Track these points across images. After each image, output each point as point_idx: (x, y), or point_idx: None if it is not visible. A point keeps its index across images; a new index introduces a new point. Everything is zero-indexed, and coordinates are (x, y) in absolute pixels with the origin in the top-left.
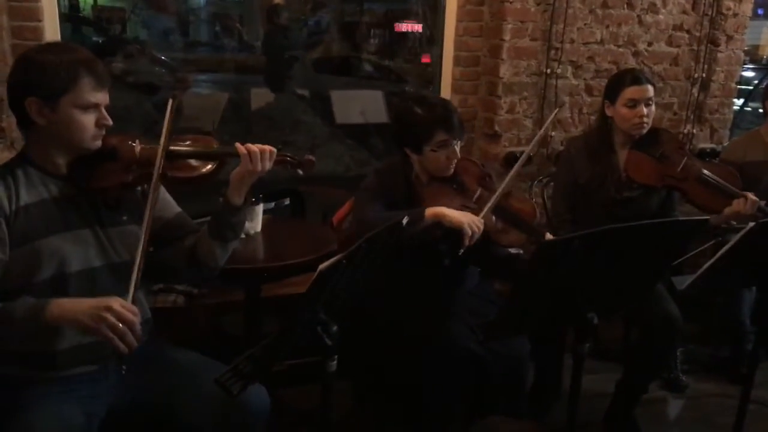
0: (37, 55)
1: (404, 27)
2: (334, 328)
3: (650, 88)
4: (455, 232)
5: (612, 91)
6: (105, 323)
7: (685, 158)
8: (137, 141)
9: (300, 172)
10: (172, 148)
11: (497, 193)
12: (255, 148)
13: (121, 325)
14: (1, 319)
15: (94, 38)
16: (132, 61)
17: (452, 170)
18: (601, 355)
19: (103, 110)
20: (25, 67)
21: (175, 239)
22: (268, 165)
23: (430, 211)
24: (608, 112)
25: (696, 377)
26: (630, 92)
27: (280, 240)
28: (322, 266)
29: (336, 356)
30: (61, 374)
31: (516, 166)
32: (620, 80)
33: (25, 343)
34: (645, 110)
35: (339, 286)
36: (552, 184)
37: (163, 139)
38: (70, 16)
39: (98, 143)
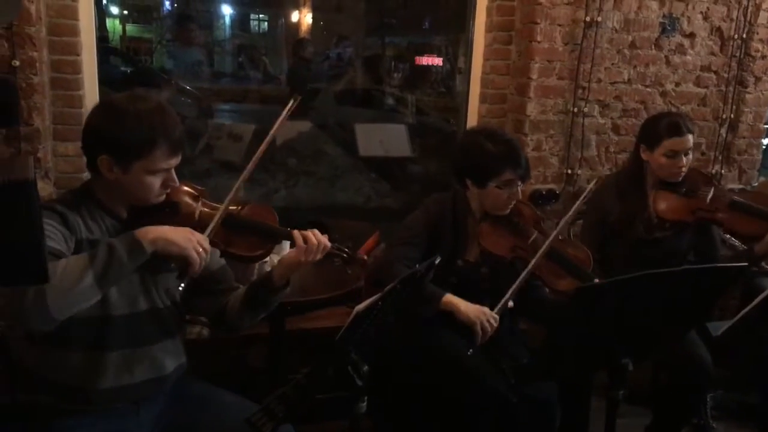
0: (118, 112)
1: (425, 60)
2: (365, 368)
3: (690, 138)
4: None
5: (650, 138)
6: (192, 244)
7: (713, 189)
8: (200, 201)
9: (348, 271)
10: (230, 209)
11: (548, 241)
12: (312, 238)
13: (201, 249)
14: (109, 260)
15: (122, 68)
16: (158, 90)
17: (509, 210)
18: (629, 398)
19: (172, 172)
20: (104, 123)
21: (212, 292)
22: (319, 256)
23: (446, 299)
24: (644, 156)
25: (726, 424)
26: (670, 144)
27: (304, 274)
28: (358, 307)
29: (366, 397)
30: (94, 409)
31: (569, 215)
32: (660, 129)
33: (70, 376)
34: (684, 160)
35: (371, 325)
36: (578, 221)
37: (222, 210)
38: (99, 47)
39: (161, 199)
